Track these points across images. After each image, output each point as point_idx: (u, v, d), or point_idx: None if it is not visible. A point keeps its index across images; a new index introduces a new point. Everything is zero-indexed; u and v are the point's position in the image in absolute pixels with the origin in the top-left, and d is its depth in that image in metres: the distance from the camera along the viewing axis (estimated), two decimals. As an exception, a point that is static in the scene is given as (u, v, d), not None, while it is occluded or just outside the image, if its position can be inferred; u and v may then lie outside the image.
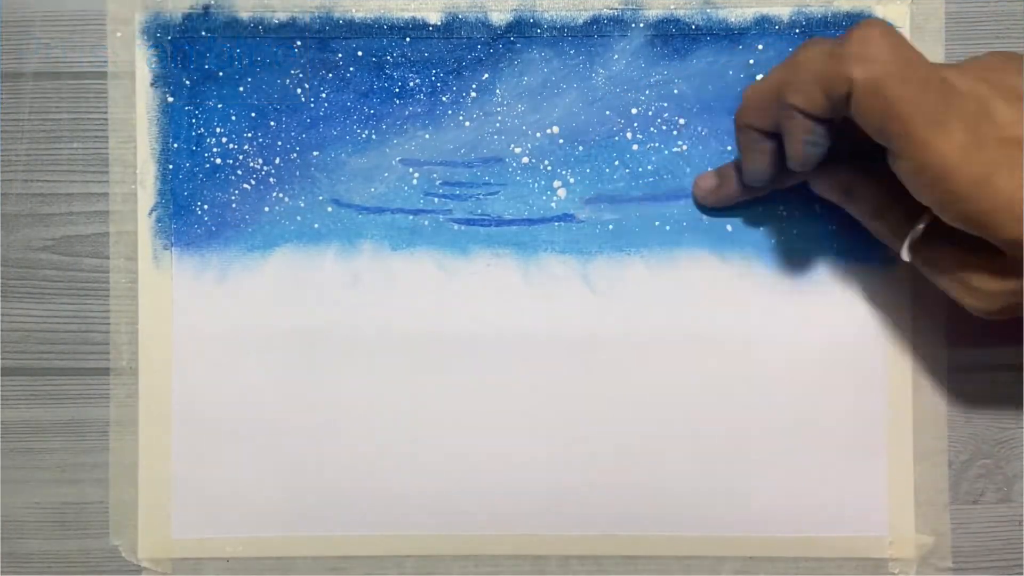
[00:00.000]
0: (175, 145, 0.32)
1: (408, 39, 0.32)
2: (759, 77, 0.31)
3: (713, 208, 0.31)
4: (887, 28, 0.24)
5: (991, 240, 0.24)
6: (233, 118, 0.32)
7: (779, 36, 0.32)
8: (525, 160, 0.32)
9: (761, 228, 0.32)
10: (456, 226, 0.32)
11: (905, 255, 0.27)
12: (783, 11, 0.32)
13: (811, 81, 0.25)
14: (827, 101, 0.25)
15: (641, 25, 0.32)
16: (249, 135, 0.32)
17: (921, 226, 0.26)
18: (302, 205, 0.32)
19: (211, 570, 0.32)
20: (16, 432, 0.33)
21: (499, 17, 0.32)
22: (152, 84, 0.32)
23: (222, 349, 0.32)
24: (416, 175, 0.32)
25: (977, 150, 0.23)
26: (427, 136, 0.32)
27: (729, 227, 0.32)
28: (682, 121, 0.32)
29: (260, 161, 0.32)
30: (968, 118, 0.23)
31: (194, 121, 0.32)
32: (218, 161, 0.32)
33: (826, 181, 0.29)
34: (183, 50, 0.32)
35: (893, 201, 0.27)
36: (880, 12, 0.31)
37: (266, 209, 0.32)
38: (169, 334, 0.32)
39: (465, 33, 0.32)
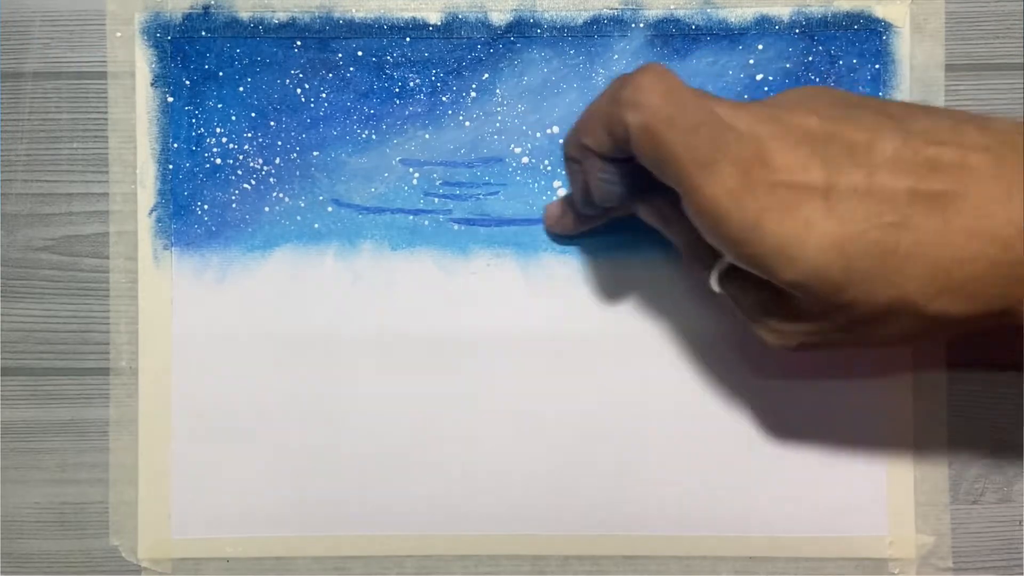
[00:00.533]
0: (175, 145, 0.32)
1: (408, 39, 0.32)
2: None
3: (562, 236, 0.32)
4: (662, 72, 0.24)
5: (774, 282, 0.23)
6: (233, 118, 0.32)
7: (779, 36, 0.32)
8: (525, 160, 0.32)
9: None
10: (456, 226, 0.32)
11: (715, 286, 0.27)
12: (783, 11, 0.32)
13: (597, 124, 0.25)
14: (612, 143, 0.25)
15: (641, 25, 0.32)
16: (249, 135, 0.32)
17: (726, 261, 0.26)
18: (302, 205, 0.32)
19: (211, 570, 0.32)
20: (16, 432, 0.33)
21: (499, 17, 0.32)
22: (152, 84, 0.32)
23: (222, 349, 0.32)
24: (416, 175, 0.32)
25: (747, 194, 0.22)
26: (427, 136, 0.32)
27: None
28: (682, 121, 0.32)
29: (260, 161, 0.32)
30: (740, 162, 0.22)
31: (194, 121, 0.32)
32: (218, 161, 0.32)
33: (645, 209, 0.29)
34: (183, 50, 0.32)
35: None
36: (880, 12, 0.32)
37: (266, 209, 0.32)
38: (169, 334, 0.32)
39: (465, 33, 0.32)
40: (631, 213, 0.29)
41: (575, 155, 0.27)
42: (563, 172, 0.32)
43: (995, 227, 0.21)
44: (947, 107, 0.32)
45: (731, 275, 0.26)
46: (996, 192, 0.22)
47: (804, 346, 0.25)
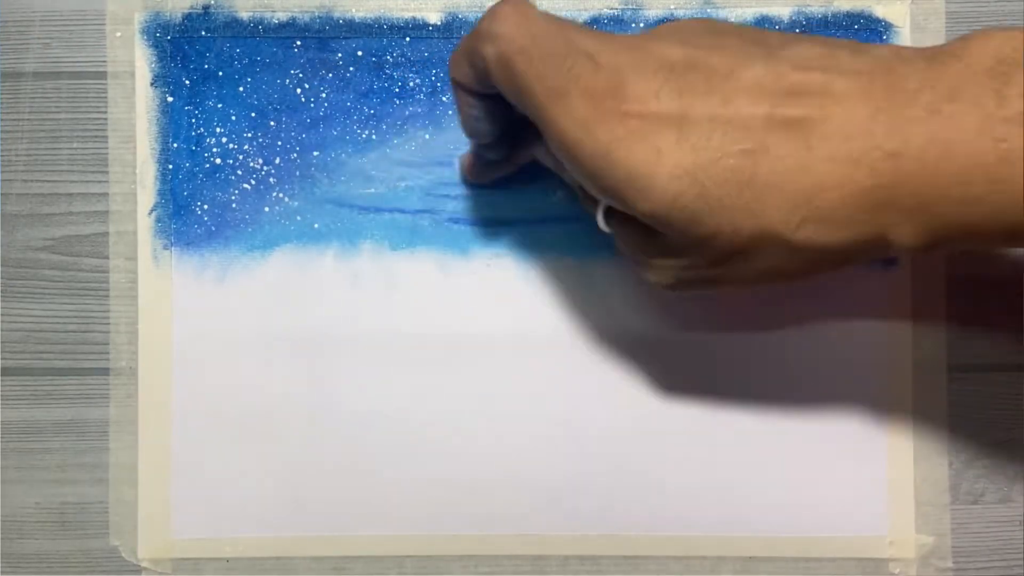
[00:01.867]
0: (175, 145, 0.32)
1: (408, 39, 0.32)
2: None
3: (475, 184, 0.31)
4: (519, 2, 0.23)
5: (634, 215, 0.23)
6: (233, 118, 0.32)
7: (779, 36, 0.32)
8: (525, 160, 0.32)
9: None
10: (456, 226, 0.32)
11: (602, 225, 0.26)
12: (783, 11, 0.32)
13: (462, 56, 0.25)
14: (476, 76, 0.25)
15: (641, 25, 0.32)
16: (249, 135, 0.32)
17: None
18: (302, 205, 0.32)
19: (211, 570, 0.32)
20: (16, 432, 0.33)
21: (499, 17, 0.32)
22: (152, 84, 0.32)
23: (222, 349, 0.32)
24: (416, 175, 0.32)
25: (598, 124, 0.22)
26: (427, 136, 0.32)
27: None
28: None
29: (260, 161, 0.32)
30: (592, 92, 0.22)
31: (194, 121, 0.32)
32: (218, 161, 0.32)
33: (540, 150, 0.29)
34: (183, 50, 0.32)
35: None
36: (880, 12, 0.32)
37: (266, 209, 0.32)
38: (169, 334, 0.32)
39: (465, 33, 0.32)
40: (532, 158, 0.29)
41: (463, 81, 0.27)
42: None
43: (859, 151, 0.21)
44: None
45: (613, 214, 0.26)
46: (861, 115, 0.21)
47: (680, 284, 0.24)
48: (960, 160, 0.20)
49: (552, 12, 0.24)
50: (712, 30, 0.23)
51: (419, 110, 0.32)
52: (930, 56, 0.22)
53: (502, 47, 0.23)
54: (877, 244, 0.22)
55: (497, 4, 0.24)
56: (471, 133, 0.27)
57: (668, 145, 0.22)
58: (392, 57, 0.32)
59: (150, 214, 0.32)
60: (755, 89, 0.22)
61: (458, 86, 0.26)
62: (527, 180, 0.32)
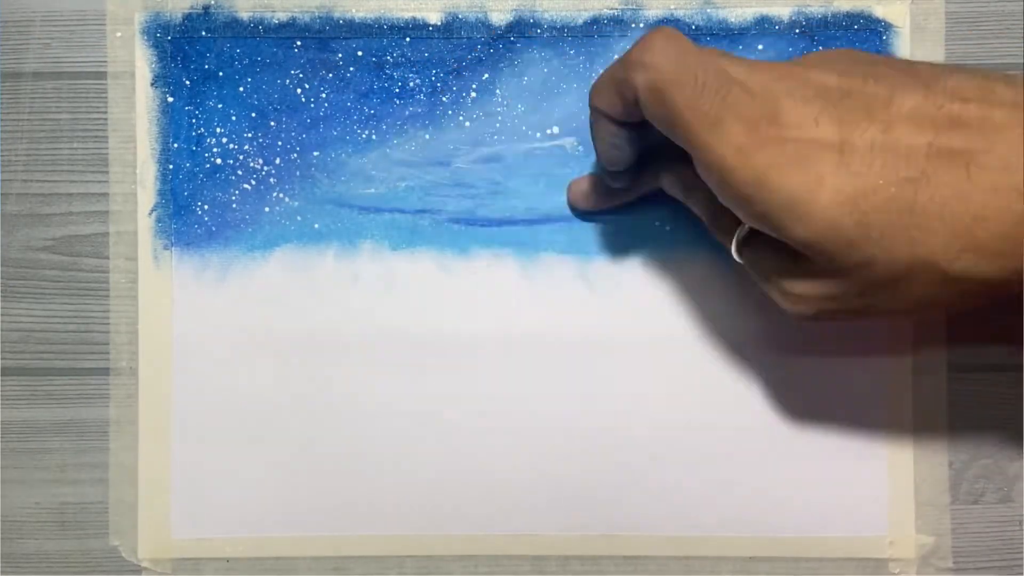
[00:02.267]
0: (175, 145, 0.32)
1: (408, 39, 0.32)
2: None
3: (587, 213, 0.32)
4: (671, 34, 0.24)
5: (787, 242, 0.23)
6: (233, 118, 0.32)
7: (779, 36, 0.32)
8: (525, 160, 0.32)
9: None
10: (456, 226, 0.32)
11: (735, 255, 0.26)
12: (783, 11, 0.32)
13: (608, 85, 0.25)
14: (623, 105, 0.25)
15: (641, 25, 0.32)
16: (249, 135, 0.32)
17: (746, 227, 0.26)
18: (302, 205, 0.32)
19: (211, 570, 0.32)
20: (16, 432, 0.33)
21: (499, 17, 0.32)
22: (152, 84, 0.32)
23: (222, 349, 0.32)
24: (416, 175, 0.32)
25: (754, 151, 0.22)
26: (427, 136, 0.32)
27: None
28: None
29: (260, 161, 0.32)
30: (748, 120, 0.22)
31: (194, 121, 0.32)
32: (218, 161, 0.32)
33: (668, 178, 0.29)
34: (183, 50, 0.32)
35: None
36: (880, 12, 0.32)
37: (266, 209, 0.32)
38: (169, 334, 0.32)
39: (465, 33, 0.32)
40: (657, 187, 0.29)
41: (592, 118, 0.27)
42: (562, 171, 0.32)
43: (1019, 183, 0.21)
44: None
45: (750, 242, 0.26)
46: (1021, 147, 0.21)
47: (823, 314, 0.24)
48: None
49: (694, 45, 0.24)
50: (863, 59, 0.24)
51: (419, 110, 0.32)
52: None
53: (654, 76, 0.23)
54: None
55: (649, 34, 0.24)
56: (608, 161, 0.28)
57: (828, 171, 0.22)
58: (392, 57, 0.32)
59: (150, 214, 0.32)
60: (915, 117, 0.22)
61: (600, 115, 0.26)
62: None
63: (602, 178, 0.30)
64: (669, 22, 0.32)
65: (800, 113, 0.22)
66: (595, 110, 0.26)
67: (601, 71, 0.26)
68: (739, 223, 0.26)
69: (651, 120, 0.24)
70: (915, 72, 0.23)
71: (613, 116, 0.26)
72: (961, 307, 0.23)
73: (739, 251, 0.26)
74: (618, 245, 0.32)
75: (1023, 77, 0.22)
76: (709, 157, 0.23)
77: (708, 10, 0.32)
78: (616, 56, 0.32)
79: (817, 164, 0.22)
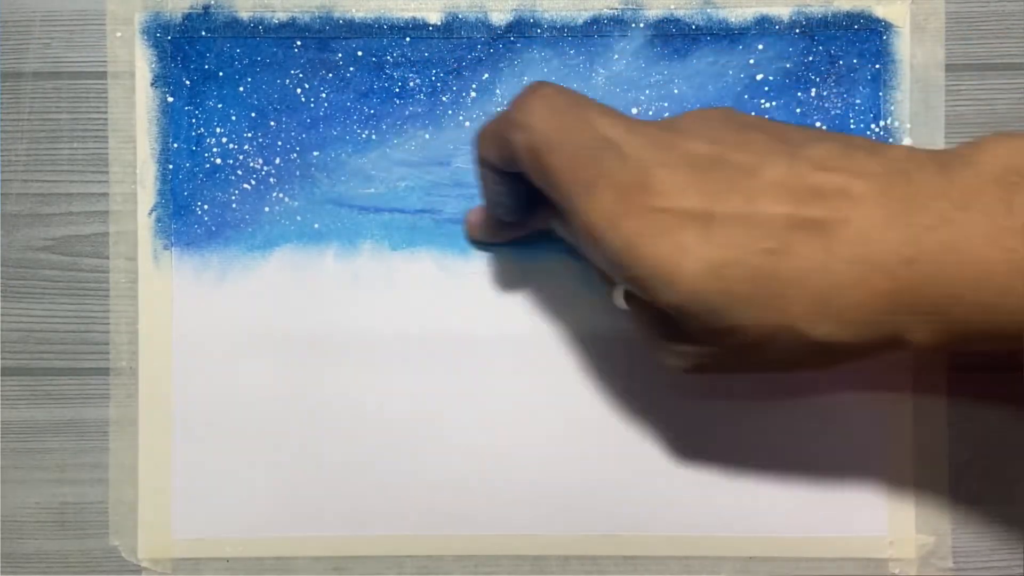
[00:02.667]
0: (175, 145, 0.32)
1: (408, 39, 0.32)
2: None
3: (483, 243, 0.32)
4: (549, 92, 0.24)
5: (657, 304, 0.23)
6: (233, 118, 0.32)
7: (779, 36, 0.32)
8: (525, 160, 0.32)
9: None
10: (456, 226, 0.32)
11: (620, 303, 0.27)
12: (783, 11, 0.32)
13: (491, 138, 0.25)
14: (503, 160, 0.25)
15: (641, 25, 0.32)
16: (249, 135, 0.32)
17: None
18: (302, 205, 0.32)
19: (211, 570, 0.32)
20: (16, 432, 0.33)
21: (499, 17, 0.32)
22: (152, 84, 0.32)
23: (222, 349, 0.32)
24: (416, 175, 0.32)
25: (623, 218, 0.22)
26: (427, 136, 0.32)
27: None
28: (682, 121, 0.32)
29: (260, 161, 0.32)
30: (619, 186, 0.22)
31: (194, 121, 0.32)
32: (218, 161, 0.32)
33: (556, 223, 0.29)
34: (183, 50, 0.32)
35: None
36: (880, 12, 0.32)
37: (266, 209, 0.32)
38: (169, 334, 0.32)
39: (465, 33, 0.32)
40: (547, 226, 0.30)
41: (476, 167, 0.27)
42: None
43: (876, 255, 0.21)
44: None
45: (633, 297, 0.26)
46: (878, 220, 0.21)
47: (699, 368, 0.25)
48: (972, 268, 0.21)
49: (574, 92, 0.24)
50: (737, 123, 0.24)
51: (419, 110, 0.32)
52: (943, 162, 0.22)
53: (531, 138, 0.24)
54: (893, 342, 0.22)
55: (525, 94, 0.24)
56: (493, 208, 0.28)
57: (693, 241, 0.22)
58: (392, 57, 0.32)
59: (150, 214, 0.32)
60: (778, 188, 0.22)
61: (484, 164, 0.26)
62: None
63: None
64: (669, 22, 0.32)
65: (669, 182, 0.22)
66: (479, 159, 0.26)
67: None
68: None
69: (529, 177, 0.25)
70: (785, 138, 0.23)
71: (496, 166, 0.26)
72: (831, 365, 0.24)
73: (625, 301, 0.27)
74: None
75: (887, 148, 0.23)
76: (581, 220, 0.23)
77: (708, 10, 0.32)
78: (616, 56, 0.32)
79: (682, 234, 0.22)
